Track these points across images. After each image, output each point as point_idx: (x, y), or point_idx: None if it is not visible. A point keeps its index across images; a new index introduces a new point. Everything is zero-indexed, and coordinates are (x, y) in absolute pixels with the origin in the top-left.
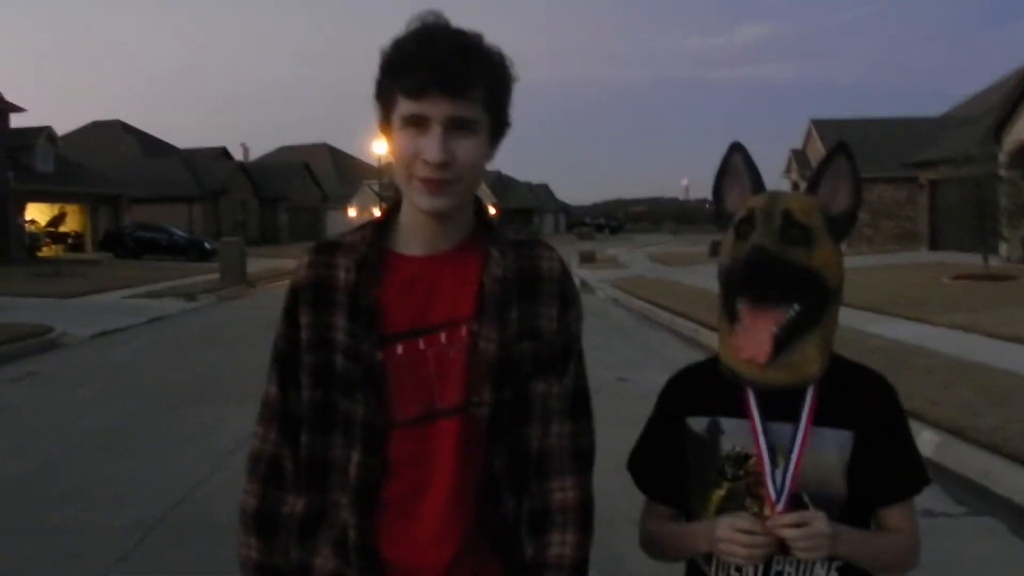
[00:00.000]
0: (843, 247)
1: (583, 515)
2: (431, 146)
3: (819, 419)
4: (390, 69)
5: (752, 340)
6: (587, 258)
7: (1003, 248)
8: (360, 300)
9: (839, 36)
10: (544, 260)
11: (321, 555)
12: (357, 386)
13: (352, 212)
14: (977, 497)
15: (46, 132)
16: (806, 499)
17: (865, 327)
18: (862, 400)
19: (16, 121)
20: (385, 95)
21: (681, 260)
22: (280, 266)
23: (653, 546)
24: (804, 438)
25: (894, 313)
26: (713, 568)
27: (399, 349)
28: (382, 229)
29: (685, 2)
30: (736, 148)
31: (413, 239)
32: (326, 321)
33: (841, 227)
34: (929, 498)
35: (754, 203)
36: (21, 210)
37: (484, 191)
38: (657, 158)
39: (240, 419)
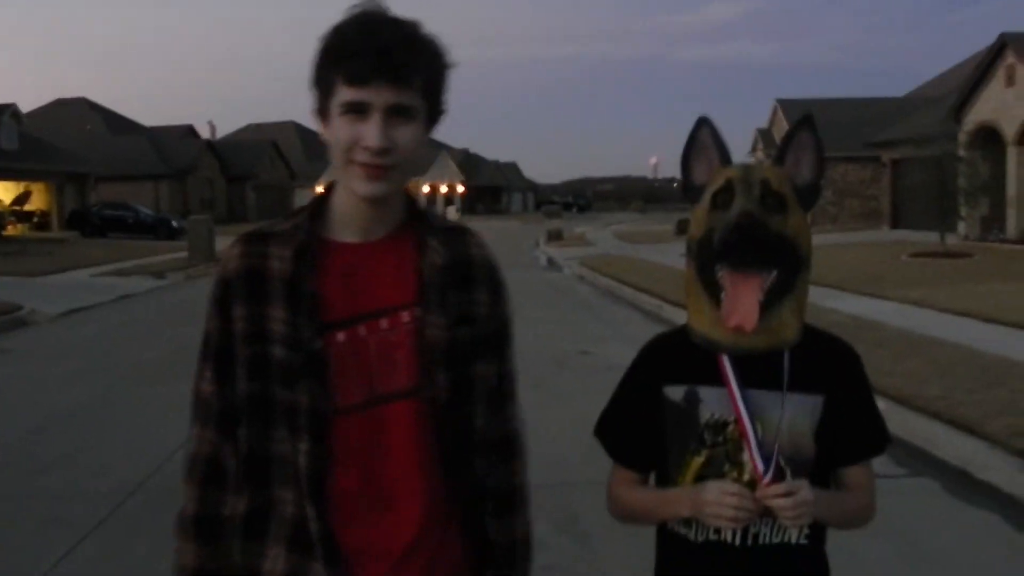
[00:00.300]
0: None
1: (525, 494)
2: (372, 132)
3: (791, 385)
4: (331, 56)
5: (739, 307)
6: (554, 236)
7: (961, 227)
8: (299, 288)
9: (809, 16)
10: (474, 248)
11: (270, 556)
12: (300, 375)
13: (320, 190)
14: (918, 460)
15: (10, 109)
16: (782, 462)
17: (824, 303)
18: (831, 366)
19: None
20: (324, 82)
21: (647, 238)
22: None
23: (624, 511)
24: (785, 405)
25: (852, 289)
26: (694, 531)
27: (340, 336)
28: (315, 216)
29: None
30: (703, 122)
31: (348, 226)
32: (262, 312)
33: (807, 198)
34: (874, 461)
35: (730, 174)
36: None
37: (452, 169)
38: (626, 137)
39: None
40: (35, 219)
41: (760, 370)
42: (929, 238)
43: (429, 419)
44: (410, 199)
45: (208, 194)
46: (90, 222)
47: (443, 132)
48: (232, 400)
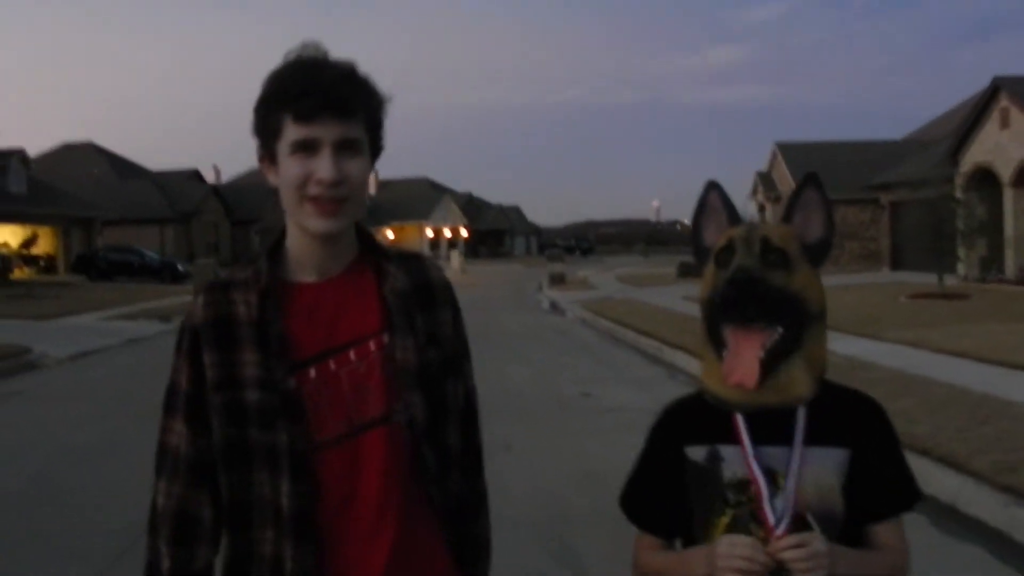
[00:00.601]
0: None
1: (486, 503)
2: (324, 165)
3: (813, 439)
4: (278, 98)
5: (740, 364)
6: (557, 280)
7: (960, 268)
8: (267, 331)
9: (810, 58)
10: (432, 271)
11: None
12: (276, 416)
13: None
14: None
15: (19, 154)
16: (811, 519)
17: None
18: (854, 419)
19: None
20: (271, 124)
21: (649, 281)
22: None
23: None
24: (799, 460)
25: (849, 331)
26: None
27: (311, 373)
28: (273, 260)
29: (659, 25)
30: (712, 186)
31: (304, 266)
32: (232, 358)
33: (816, 254)
34: None
35: (733, 233)
36: None
37: (455, 213)
38: (628, 180)
39: None
40: (42, 263)
41: (777, 426)
42: (928, 279)
43: (400, 442)
44: (363, 233)
45: (213, 238)
46: (96, 266)
47: (447, 176)
48: (205, 449)
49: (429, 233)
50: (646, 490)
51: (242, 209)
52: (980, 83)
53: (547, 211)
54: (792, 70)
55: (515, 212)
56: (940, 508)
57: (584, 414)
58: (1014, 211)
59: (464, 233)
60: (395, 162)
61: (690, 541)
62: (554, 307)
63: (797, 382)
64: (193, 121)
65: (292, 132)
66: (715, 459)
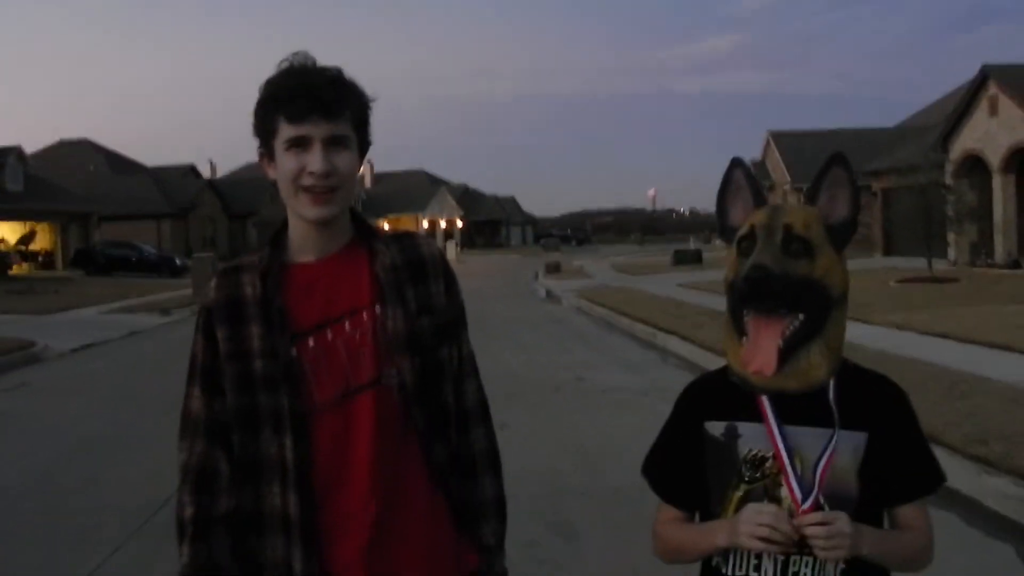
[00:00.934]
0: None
1: (495, 459)
2: (315, 159)
3: (831, 422)
4: (272, 101)
5: (758, 353)
6: (553, 269)
7: (951, 253)
8: (269, 307)
9: (804, 46)
10: (424, 247)
11: (269, 546)
12: (279, 381)
13: None
14: None
15: (16, 151)
16: (821, 500)
17: None
18: (874, 403)
19: None
20: (268, 125)
21: (644, 270)
22: None
23: (669, 548)
24: (834, 441)
25: None
26: (731, 565)
27: (310, 342)
28: (276, 246)
29: (653, 15)
30: (736, 163)
31: (304, 249)
32: (242, 333)
33: (841, 235)
34: None
35: (755, 219)
36: None
37: (451, 204)
38: (624, 169)
39: None
40: (40, 258)
41: (800, 407)
42: (919, 264)
43: (390, 403)
44: (358, 218)
45: (210, 232)
46: (94, 261)
47: (442, 167)
48: (220, 412)
49: (425, 225)
50: (667, 461)
51: (238, 203)
52: (974, 70)
53: (543, 201)
54: (786, 58)
55: (511, 203)
56: None
57: (578, 396)
58: (1003, 197)
59: (460, 224)
60: (391, 155)
61: (707, 516)
62: (550, 296)
63: (817, 367)
64: (188, 117)
65: (286, 131)
66: (733, 435)
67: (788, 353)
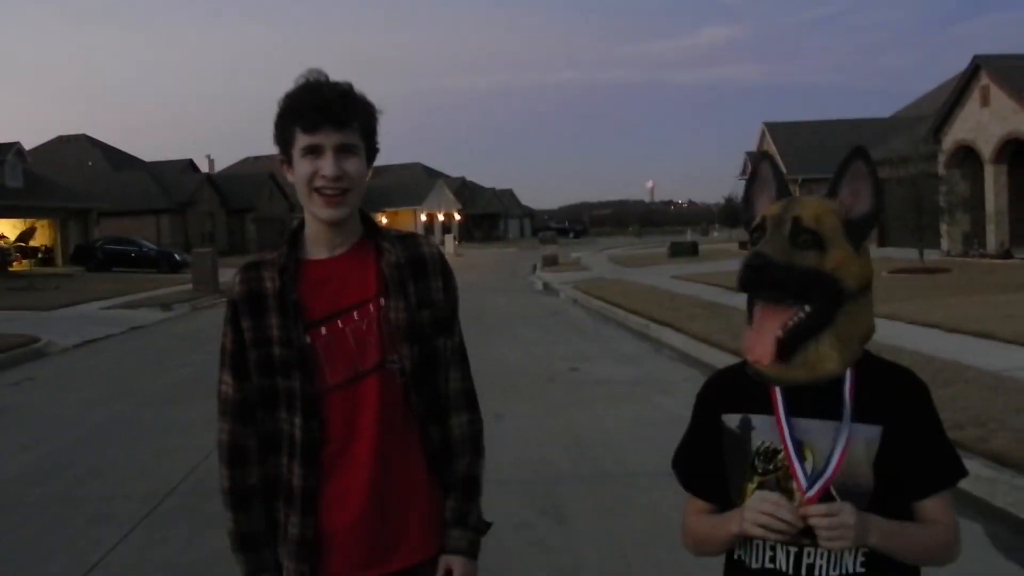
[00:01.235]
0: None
1: (478, 442)
2: (327, 165)
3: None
4: (289, 114)
5: (758, 341)
6: (550, 262)
7: (944, 243)
8: (286, 299)
9: (801, 37)
10: (425, 247)
11: (283, 512)
12: (294, 366)
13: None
14: None
15: (14, 148)
16: (833, 491)
17: None
18: (891, 396)
19: None
20: (286, 135)
21: (641, 262)
22: None
23: (695, 539)
24: (846, 433)
25: None
26: (750, 556)
27: (323, 331)
28: (293, 244)
29: (649, 6)
30: (763, 157)
31: (318, 246)
32: (263, 322)
33: (862, 228)
34: None
35: (768, 211)
36: None
37: (448, 198)
38: (622, 161)
39: None
40: (40, 255)
41: (814, 399)
42: (912, 255)
43: (393, 387)
44: (367, 219)
45: (209, 227)
46: (94, 257)
47: (440, 161)
48: (247, 394)
49: (423, 218)
50: (691, 454)
51: (236, 198)
52: (968, 61)
53: (541, 194)
54: (783, 49)
55: (508, 196)
56: None
57: (572, 387)
58: (995, 187)
59: (458, 217)
60: (389, 148)
61: (728, 508)
62: (547, 288)
63: (826, 359)
64: (186, 111)
65: (302, 140)
66: (747, 427)
67: (795, 344)
